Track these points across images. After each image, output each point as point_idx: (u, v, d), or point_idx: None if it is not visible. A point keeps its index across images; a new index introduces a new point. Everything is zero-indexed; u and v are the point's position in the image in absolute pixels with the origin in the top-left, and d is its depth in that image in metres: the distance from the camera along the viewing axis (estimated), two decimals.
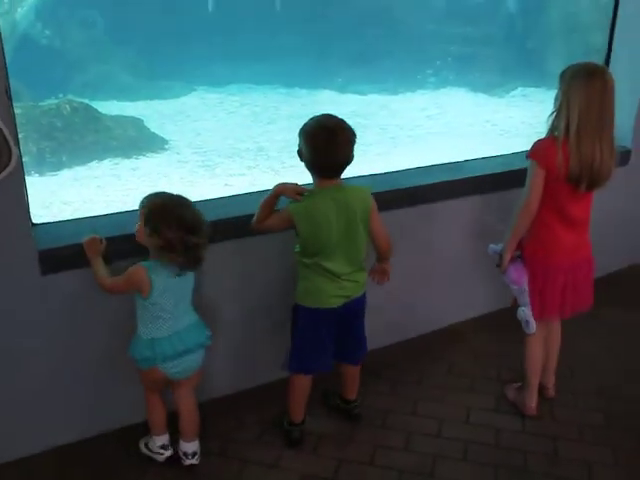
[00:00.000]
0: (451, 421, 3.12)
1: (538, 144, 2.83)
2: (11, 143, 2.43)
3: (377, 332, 3.22)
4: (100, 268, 2.57)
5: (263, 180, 6.13)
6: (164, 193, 2.55)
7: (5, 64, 2.41)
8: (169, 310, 2.53)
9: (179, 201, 2.51)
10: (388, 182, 3.54)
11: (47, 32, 9.82)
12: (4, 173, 2.43)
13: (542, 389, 3.26)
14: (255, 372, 3.32)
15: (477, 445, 2.97)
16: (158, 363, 2.55)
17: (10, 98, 2.46)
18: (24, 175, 2.59)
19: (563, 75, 2.76)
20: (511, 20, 10.48)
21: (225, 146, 7.47)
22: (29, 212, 2.64)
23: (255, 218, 2.74)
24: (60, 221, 3.02)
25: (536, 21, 10.17)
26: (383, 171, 3.78)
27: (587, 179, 2.72)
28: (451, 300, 3.90)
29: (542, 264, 2.92)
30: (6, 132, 2.41)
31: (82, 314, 2.73)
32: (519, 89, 9.94)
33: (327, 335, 2.78)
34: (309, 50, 10.56)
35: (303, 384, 2.88)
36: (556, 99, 2.78)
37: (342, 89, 10.32)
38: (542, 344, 3.15)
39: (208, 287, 2.96)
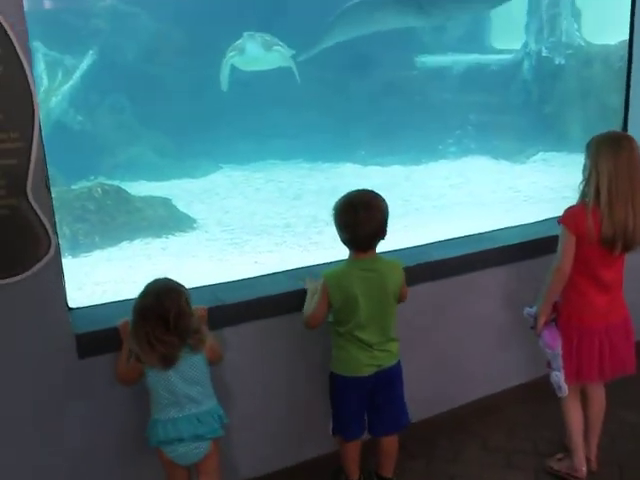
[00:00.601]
0: None
1: (569, 210, 2.94)
2: (50, 233, 2.53)
3: (409, 408, 3.19)
4: (124, 353, 2.60)
5: (291, 256, 6.19)
6: (151, 286, 2.53)
7: (45, 157, 2.53)
8: (165, 397, 2.52)
9: (155, 292, 2.48)
10: (416, 256, 3.56)
11: (79, 118, 10.18)
12: (43, 261, 2.52)
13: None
14: (296, 449, 3.29)
15: None
16: (154, 444, 2.57)
17: (49, 189, 2.57)
18: (62, 263, 2.67)
19: (589, 146, 2.87)
20: (527, 87, 10.66)
21: (253, 223, 7.59)
22: (66, 298, 2.71)
23: (305, 313, 2.85)
24: (95, 305, 3.08)
25: (552, 86, 10.34)
26: (411, 244, 3.81)
27: (622, 242, 2.81)
28: (483, 372, 3.84)
29: (577, 328, 2.97)
30: (46, 222, 2.51)
31: (119, 396, 2.75)
32: (540, 154, 10.01)
33: (360, 403, 2.84)
34: (330, 124, 10.77)
35: (351, 447, 2.95)
36: (584, 169, 2.89)
37: (365, 161, 10.46)
38: (579, 406, 3.13)
39: (239, 367, 2.98)
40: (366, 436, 2.98)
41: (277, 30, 10.24)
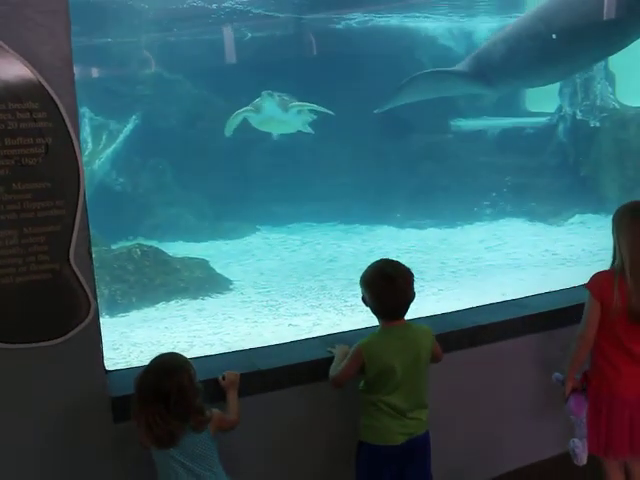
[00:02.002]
0: None
1: (595, 276, 2.92)
2: (90, 297, 2.60)
3: (440, 476, 3.12)
4: None
5: (327, 319, 6.18)
6: (154, 362, 2.49)
7: (88, 224, 2.61)
8: (167, 474, 2.47)
9: (158, 369, 2.44)
10: (451, 322, 3.54)
11: (121, 180, 10.50)
12: (83, 325, 2.58)
13: None
14: None
15: None
16: None
17: (91, 255, 2.64)
18: (100, 327, 2.72)
19: (614, 217, 2.88)
20: (563, 149, 10.68)
21: (288, 285, 7.63)
22: (103, 361, 2.75)
23: (331, 372, 2.85)
24: (132, 367, 3.11)
25: (587, 149, 10.35)
26: (446, 310, 3.80)
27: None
28: (519, 442, 3.74)
29: (607, 399, 2.90)
30: (86, 287, 2.58)
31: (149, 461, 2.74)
32: (577, 216, 9.95)
33: (389, 472, 2.79)
34: (367, 188, 10.89)
35: None
36: (613, 237, 2.89)
37: (401, 224, 10.52)
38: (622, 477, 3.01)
39: (262, 436, 2.96)
40: None
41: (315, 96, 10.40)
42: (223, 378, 2.76)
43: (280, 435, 3.02)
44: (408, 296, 2.74)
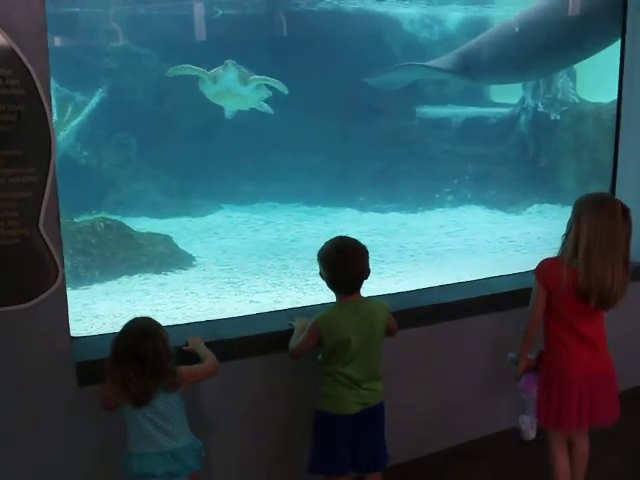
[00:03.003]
0: None
1: (542, 263, 3.11)
2: (58, 263, 2.65)
3: (398, 447, 3.26)
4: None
5: (288, 297, 6.28)
6: (130, 325, 2.57)
7: (57, 193, 2.67)
8: (139, 432, 2.57)
9: (135, 332, 2.53)
10: (409, 300, 3.69)
11: (85, 153, 10.39)
12: (50, 290, 2.64)
13: None
14: None
15: None
16: (130, 478, 2.61)
17: (59, 222, 2.70)
18: (66, 294, 2.79)
19: (575, 203, 3.02)
20: (523, 140, 10.92)
21: (250, 263, 7.70)
22: (69, 327, 2.81)
23: (291, 344, 2.98)
24: (96, 335, 3.20)
25: (547, 141, 10.63)
26: (404, 289, 3.94)
27: (596, 296, 2.90)
28: (472, 415, 3.93)
29: (558, 376, 3.07)
30: (55, 253, 2.64)
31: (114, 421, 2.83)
32: (535, 206, 10.20)
33: (345, 440, 2.93)
34: (330, 170, 10.98)
35: None
36: (568, 224, 3.03)
37: (363, 207, 10.63)
38: (566, 456, 3.20)
39: (227, 402, 3.09)
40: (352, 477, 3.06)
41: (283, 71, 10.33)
42: (186, 344, 2.86)
43: (242, 401, 3.15)
44: (361, 270, 2.87)
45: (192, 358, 2.78)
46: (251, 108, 10.30)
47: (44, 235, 2.60)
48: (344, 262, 2.84)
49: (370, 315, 2.88)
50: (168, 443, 2.58)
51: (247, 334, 3.12)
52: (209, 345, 2.91)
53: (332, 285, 2.91)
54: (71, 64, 10.03)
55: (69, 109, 10.29)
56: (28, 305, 2.59)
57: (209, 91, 9.81)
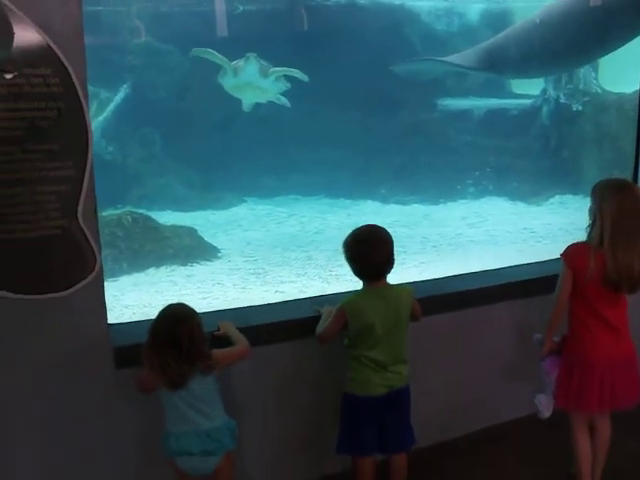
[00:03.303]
0: None
1: (570, 246, 3.17)
2: (96, 253, 2.78)
3: (423, 432, 3.36)
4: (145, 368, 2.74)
5: (312, 287, 6.39)
6: (165, 311, 2.70)
7: (94, 188, 2.79)
8: (175, 414, 2.70)
9: (170, 318, 2.66)
10: (433, 288, 3.78)
11: (110, 149, 10.57)
12: (89, 278, 2.76)
13: None
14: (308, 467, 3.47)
15: None
16: (169, 455, 2.75)
17: (97, 214, 2.83)
18: (103, 282, 2.92)
19: (595, 190, 3.09)
20: (545, 131, 10.89)
21: (275, 255, 7.81)
22: (106, 313, 2.95)
23: (318, 330, 3.08)
24: (130, 322, 3.33)
25: (569, 132, 10.59)
26: (427, 278, 4.03)
27: (627, 284, 2.98)
28: (496, 401, 4.01)
29: (579, 359, 3.15)
30: (92, 243, 2.76)
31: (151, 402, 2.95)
32: (556, 197, 10.17)
33: (371, 422, 3.05)
34: (353, 162, 11.05)
35: (362, 464, 3.12)
36: (590, 212, 3.10)
37: (385, 200, 10.69)
38: (587, 437, 3.28)
39: (258, 386, 3.21)
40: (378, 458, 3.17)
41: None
42: (218, 329, 2.98)
43: (272, 385, 3.27)
44: (385, 258, 2.97)
45: (224, 342, 2.89)
46: (269, 101, 10.29)
47: (82, 226, 2.72)
48: (368, 251, 2.95)
49: (396, 301, 2.99)
50: (204, 423, 2.71)
51: (275, 320, 3.23)
52: (239, 331, 3.02)
53: (356, 272, 3.01)
54: (95, 62, 10.12)
55: (94, 106, 10.44)
56: (68, 292, 2.72)
57: (229, 83, 9.77)
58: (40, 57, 2.57)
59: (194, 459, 2.72)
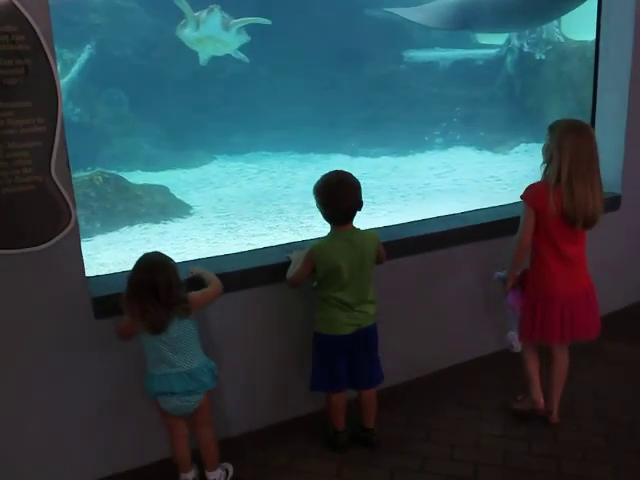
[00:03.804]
0: (462, 446, 3.39)
1: (530, 187, 3.27)
2: (71, 206, 2.87)
3: (392, 370, 3.55)
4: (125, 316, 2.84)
5: (283, 239, 6.51)
6: (143, 260, 2.79)
7: (65, 144, 2.86)
8: (157, 356, 2.83)
9: (147, 266, 2.75)
10: (398, 232, 3.93)
11: (78, 110, 10.49)
12: (65, 231, 2.87)
13: (547, 414, 3.56)
14: (286, 406, 3.65)
15: (487, 467, 3.24)
16: (152, 396, 2.89)
17: (69, 168, 2.90)
18: (79, 234, 3.01)
19: (553, 129, 3.17)
20: (510, 81, 11.04)
21: (246, 209, 7.94)
22: (84, 265, 3.05)
23: (288, 274, 3.21)
24: (107, 274, 3.44)
25: (533, 81, 10.75)
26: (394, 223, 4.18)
27: (582, 219, 3.12)
28: (460, 340, 4.20)
29: (541, 294, 3.31)
30: (67, 197, 2.85)
31: (130, 348, 3.07)
32: (522, 145, 10.38)
33: (341, 359, 3.20)
34: (321, 118, 11.11)
35: (335, 399, 3.30)
36: (545, 150, 3.20)
37: (354, 153, 10.84)
38: (535, 356, 3.53)
39: (233, 329, 3.35)
40: (349, 394, 3.34)
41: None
42: (190, 273, 3.10)
43: (247, 328, 3.40)
44: (352, 203, 3.07)
45: (198, 285, 3.01)
46: (227, 54, 10.18)
47: (56, 181, 2.81)
48: (336, 196, 3.05)
49: (360, 244, 3.11)
50: (184, 364, 2.84)
51: (246, 267, 3.36)
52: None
53: (326, 217, 3.13)
54: (57, 22, 10.00)
55: (58, 67, 10.33)
56: (45, 246, 2.83)
57: (189, 36, 9.63)
58: (5, 15, 2.62)
59: (176, 398, 2.86)
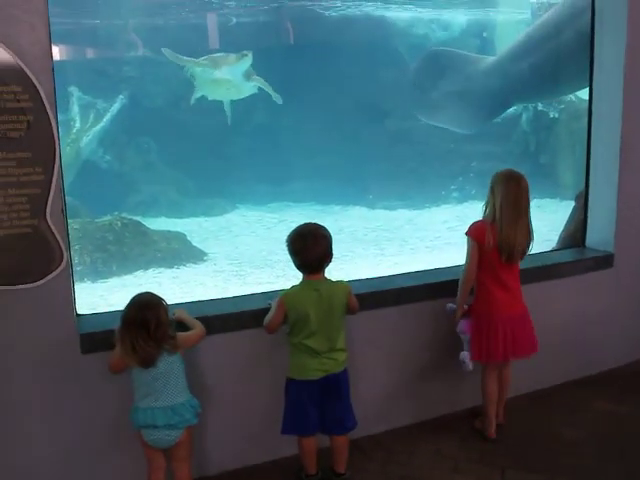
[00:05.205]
0: None
1: (472, 225, 3.80)
2: (63, 249, 3.13)
3: (372, 417, 3.66)
4: (117, 349, 3.06)
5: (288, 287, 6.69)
6: (136, 299, 3.04)
7: (63, 189, 3.13)
8: (144, 389, 3.03)
9: (139, 304, 3.00)
10: (377, 285, 4.09)
11: (107, 157, 10.96)
12: (57, 271, 3.12)
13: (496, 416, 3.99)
14: (263, 448, 3.78)
15: None
16: (136, 428, 3.06)
17: (65, 215, 3.17)
18: (72, 274, 3.26)
19: (492, 178, 3.76)
20: (525, 137, 11.22)
21: (259, 258, 8.16)
22: (74, 303, 3.28)
23: (265, 320, 3.39)
24: (101, 313, 3.66)
25: (546, 138, 10.93)
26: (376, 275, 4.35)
27: (507, 253, 3.65)
28: (440, 392, 4.29)
29: (486, 318, 3.80)
30: (60, 240, 3.11)
31: (115, 384, 3.27)
32: (535, 201, 10.40)
33: (311, 403, 3.33)
34: (343, 169, 11.37)
35: (305, 443, 3.43)
36: (488, 193, 3.78)
37: (372, 205, 11.05)
38: (495, 383, 3.92)
39: (214, 371, 3.53)
40: (322, 438, 3.46)
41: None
42: (173, 314, 3.30)
43: (228, 370, 3.58)
44: (320, 254, 3.25)
45: (180, 327, 3.22)
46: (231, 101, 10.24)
47: (50, 224, 3.08)
48: (305, 247, 3.24)
49: (329, 294, 3.27)
50: (169, 398, 3.04)
51: (229, 312, 3.55)
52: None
53: (296, 265, 3.32)
54: (93, 73, 10.62)
55: (91, 116, 10.87)
56: (38, 284, 3.08)
57: (206, 76, 9.65)
58: (11, 76, 2.93)
59: (158, 431, 3.03)
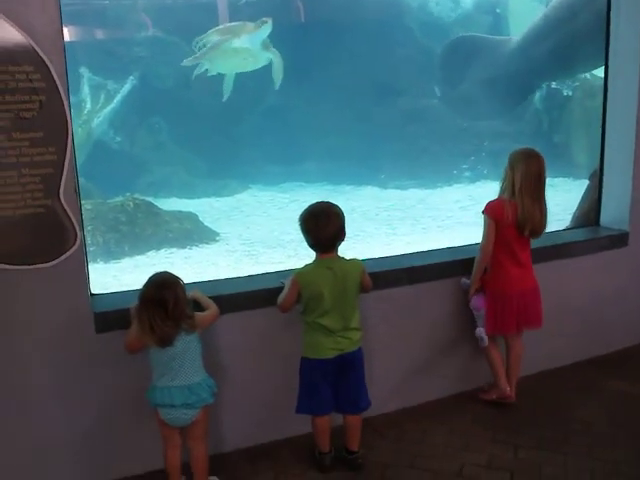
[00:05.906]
0: (444, 475, 3.44)
1: (489, 203, 3.84)
2: (77, 228, 3.13)
3: (387, 396, 3.66)
4: (133, 329, 3.07)
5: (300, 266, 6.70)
6: (153, 278, 3.03)
7: (76, 169, 3.13)
8: (162, 369, 3.04)
9: (157, 283, 2.99)
10: (392, 263, 4.08)
11: (118, 138, 10.96)
12: (70, 251, 3.12)
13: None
14: (277, 426, 3.80)
15: None
16: (153, 406, 3.08)
17: (79, 195, 3.17)
18: (86, 254, 3.27)
19: (511, 156, 3.79)
20: (539, 116, 11.11)
21: (271, 238, 8.16)
22: (88, 282, 3.29)
23: (279, 300, 3.38)
24: (115, 292, 3.68)
25: (560, 116, 10.81)
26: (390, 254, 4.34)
27: (530, 227, 3.74)
28: (453, 371, 4.28)
29: (499, 293, 3.90)
30: (74, 220, 3.11)
31: (130, 362, 3.28)
32: (548, 179, 10.34)
33: (325, 382, 3.34)
34: (355, 149, 11.34)
35: (319, 422, 3.44)
36: (505, 171, 3.83)
37: (384, 185, 11.00)
38: (498, 349, 4.04)
39: (229, 350, 3.54)
40: (335, 416, 3.47)
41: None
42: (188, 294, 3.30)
43: (243, 349, 3.59)
44: (333, 233, 3.22)
45: (194, 308, 3.22)
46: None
47: (64, 205, 3.08)
48: (317, 225, 3.22)
49: (342, 273, 3.26)
50: (186, 378, 3.05)
51: (242, 290, 3.56)
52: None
53: (309, 244, 3.31)
54: (103, 54, 10.61)
55: (102, 97, 10.87)
56: (52, 264, 3.09)
57: (226, 44, 9.38)
58: (23, 56, 2.92)
59: (176, 410, 3.05)
